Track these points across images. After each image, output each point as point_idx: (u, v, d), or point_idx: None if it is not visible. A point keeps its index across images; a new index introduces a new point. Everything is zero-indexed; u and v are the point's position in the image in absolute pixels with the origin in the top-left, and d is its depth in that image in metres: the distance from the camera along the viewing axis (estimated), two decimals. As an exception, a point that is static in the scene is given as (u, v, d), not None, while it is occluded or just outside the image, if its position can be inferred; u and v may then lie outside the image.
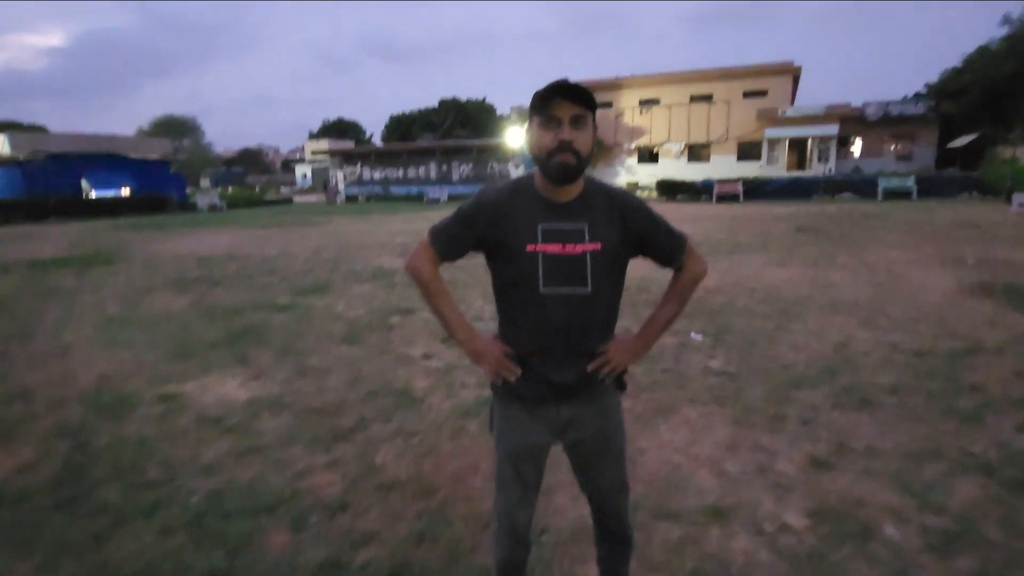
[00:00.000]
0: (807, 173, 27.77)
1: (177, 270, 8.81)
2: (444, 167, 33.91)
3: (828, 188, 22.28)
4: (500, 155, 32.56)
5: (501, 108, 56.22)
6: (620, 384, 1.51)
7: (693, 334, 4.58)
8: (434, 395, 3.46)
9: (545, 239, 1.33)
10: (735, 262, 7.99)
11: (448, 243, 1.42)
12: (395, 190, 34.31)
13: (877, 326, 4.68)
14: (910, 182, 20.19)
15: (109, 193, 28.09)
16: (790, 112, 29.83)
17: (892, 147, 30.53)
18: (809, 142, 30.22)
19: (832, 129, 28.81)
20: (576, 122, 1.26)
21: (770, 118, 30.05)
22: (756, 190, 22.99)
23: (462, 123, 51.87)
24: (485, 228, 1.37)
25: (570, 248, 1.32)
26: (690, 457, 2.64)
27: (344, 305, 5.98)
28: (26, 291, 7.26)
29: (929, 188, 19.99)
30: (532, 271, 1.33)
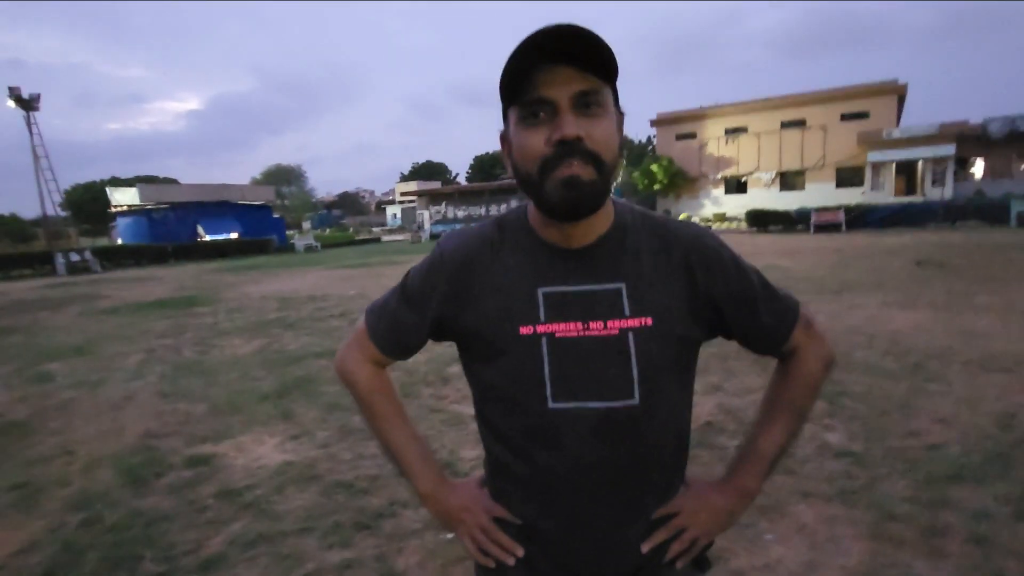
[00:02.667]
0: (919, 199, 25.07)
1: (258, 312, 9.01)
2: (525, 203, 34.16)
3: (947, 215, 19.87)
4: (579, 191, 32.31)
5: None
6: (700, 564, 0.89)
7: (801, 396, 3.79)
8: (480, 469, 2.95)
9: (552, 314, 0.77)
10: (845, 303, 6.93)
11: (392, 332, 0.88)
12: (477, 228, 34.89)
13: (1051, 390, 3.64)
14: (1054, 205, 17.53)
15: (220, 237, 30.68)
16: (896, 134, 27.28)
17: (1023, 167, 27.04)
18: (920, 165, 27.41)
19: (948, 150, 25.95)
20: (584, 103, 0.68)
21: (873, 141, 27.65)
22: (860, 219, 20.98)
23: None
24: (445, 306, 0.82)
25: (597, 327, 0.76)
26: (811, 588, 1.93)
27: (405, 352, 5.67)
28: (120, 334, 7.62)
29: (1079, 212, 17.25)
30: (532, 373, 0.76)
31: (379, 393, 0.91)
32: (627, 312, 0.77)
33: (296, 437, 3.55)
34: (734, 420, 3.41)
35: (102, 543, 2.41)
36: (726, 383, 4.14)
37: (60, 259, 20.82)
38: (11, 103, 22.14)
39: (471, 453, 3.17)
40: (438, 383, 4.53)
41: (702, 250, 0.80)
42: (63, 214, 33.00)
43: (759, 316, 0.82)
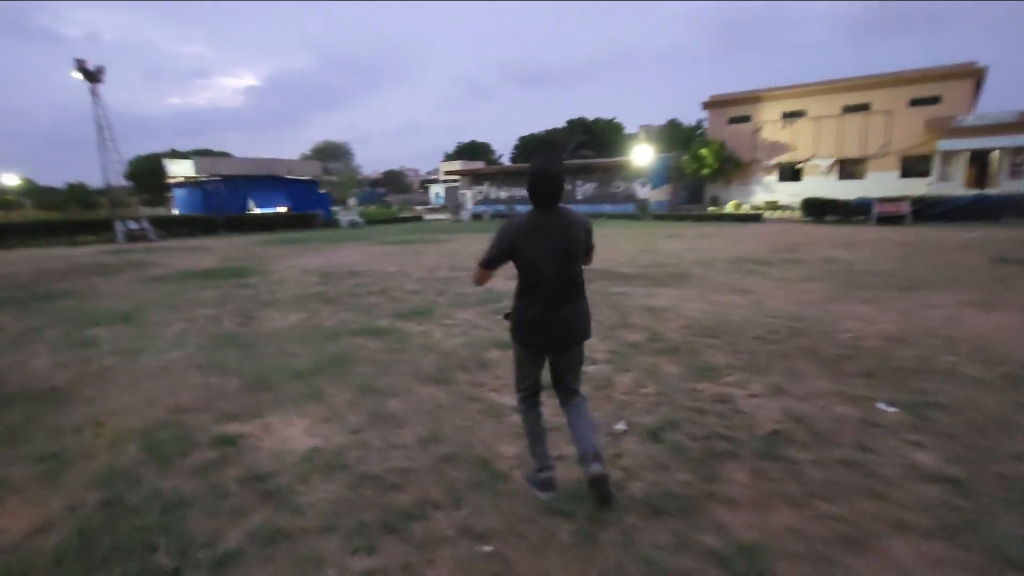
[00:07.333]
0: (993, 191, 23.25)
1: (299, 285, 9.00)
2: (568, 186, 33.52)
3: (1026, 209, 18.34)
4: (626, 173, 31.52)
5: (629, 127, 55.34)
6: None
7: (881, 404, 3.38)
8: (522, 469, 2.69)
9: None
10: (917, 301, 6.34)
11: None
12: (520, 208, 34.50)
13: None
14: None
15: (268, 210, 31.28)
16: (970, 120, 25.32)
17: (1118, 159, 24.68)
18: (996, 155, 25.40)
19: (1030, 139, 23.91)
20: None
21: (943, 128, 25.76)
22: (927, 210, 19.61)
23: (587, 143, 51.27)
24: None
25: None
26: (915, 647, 1.61)
27: (442, 333, 5.46)
28: (165, 302, 7.71)
29: None
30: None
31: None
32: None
33: (327, 420, 3.38)
34: (805, 430, 3.05)
35: (119, 527, 2.27)
36: (789, 384, 3.76)
37: (120, 227, 21.58)
38: (77, 74, 22.86)
39: (510, 450, 2.93)
40: (476, 369, 4.30)
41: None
42: (126, 184, 34.23)
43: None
